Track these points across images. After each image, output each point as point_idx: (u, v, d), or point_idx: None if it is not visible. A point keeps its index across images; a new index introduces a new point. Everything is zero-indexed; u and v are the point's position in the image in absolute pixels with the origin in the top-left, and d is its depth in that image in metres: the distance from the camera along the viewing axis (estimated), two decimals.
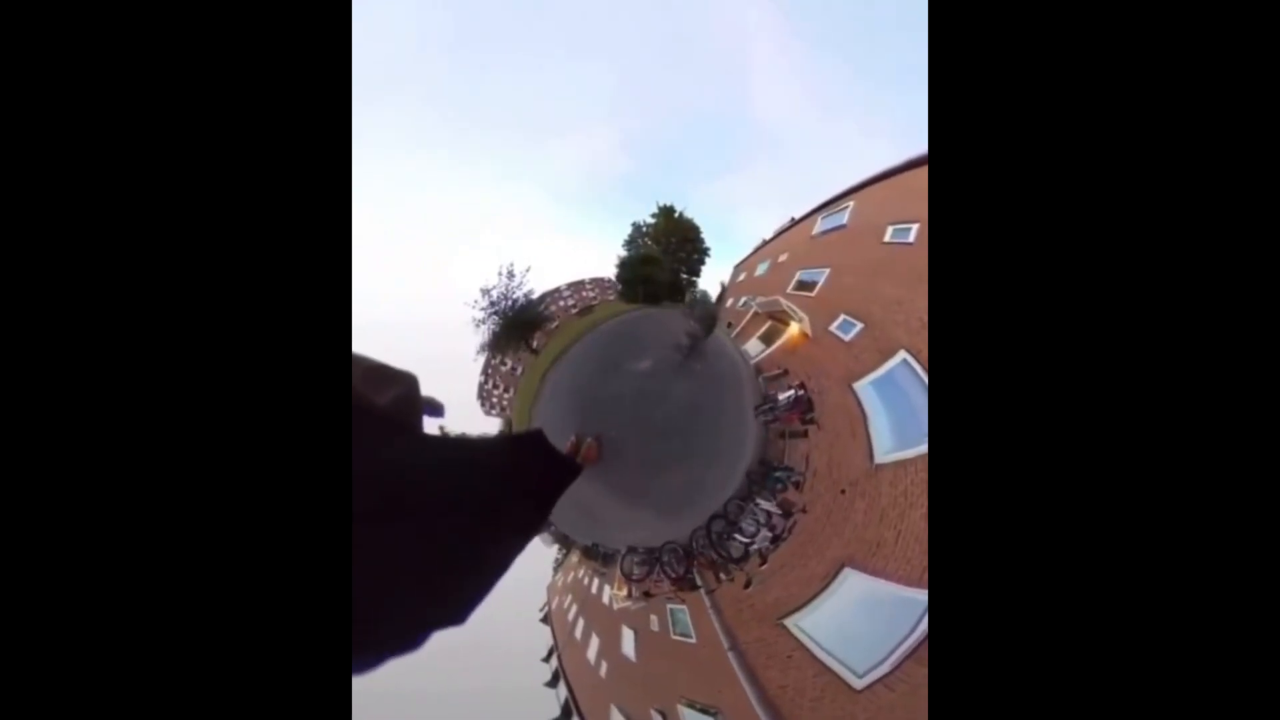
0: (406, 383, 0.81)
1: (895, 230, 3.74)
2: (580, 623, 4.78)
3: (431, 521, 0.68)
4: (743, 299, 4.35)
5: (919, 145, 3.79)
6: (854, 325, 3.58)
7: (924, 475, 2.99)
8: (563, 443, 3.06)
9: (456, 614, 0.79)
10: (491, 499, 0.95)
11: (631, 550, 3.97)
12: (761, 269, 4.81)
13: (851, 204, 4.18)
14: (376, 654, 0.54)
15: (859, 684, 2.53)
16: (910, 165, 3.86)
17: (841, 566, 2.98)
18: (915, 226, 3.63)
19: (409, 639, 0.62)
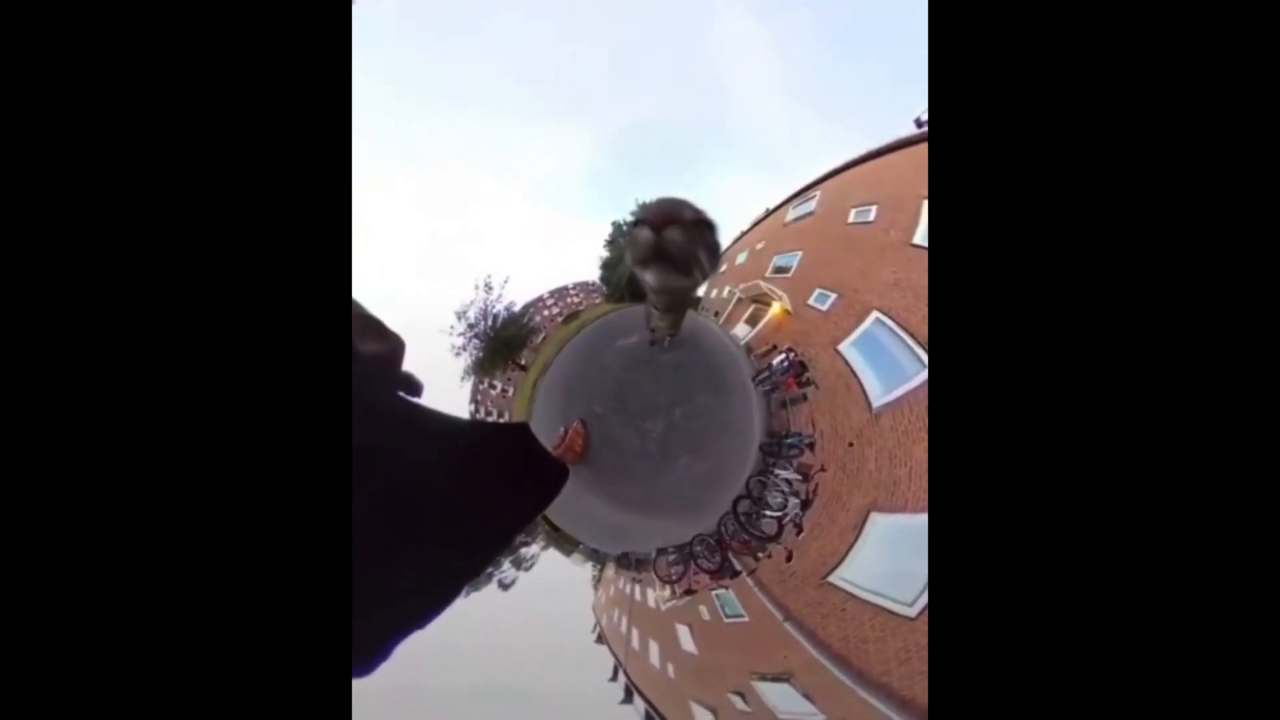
0: (393, 344, 0.72)
1: (857, 212, 4.13)
2: (634, 632, 4.80)
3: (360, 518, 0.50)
4: (726, 288, 4.55)
5: (879, 136, 4.29)
6: (829, 296, 3.86)
7: (918, 413, 3.23)
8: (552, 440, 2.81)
9: (360, 658, 0.57)
10: (449, 508, 0.71)
11: (662, 551, 3.97)
12: (741, 258, 5.05)
13: (819, 193, 4.53)
14: None
15: (912, 612, 2.71)
16: (870, 156, 4.27)
17: (868, 513, 3.16)
18: (874, 208, 4.10)
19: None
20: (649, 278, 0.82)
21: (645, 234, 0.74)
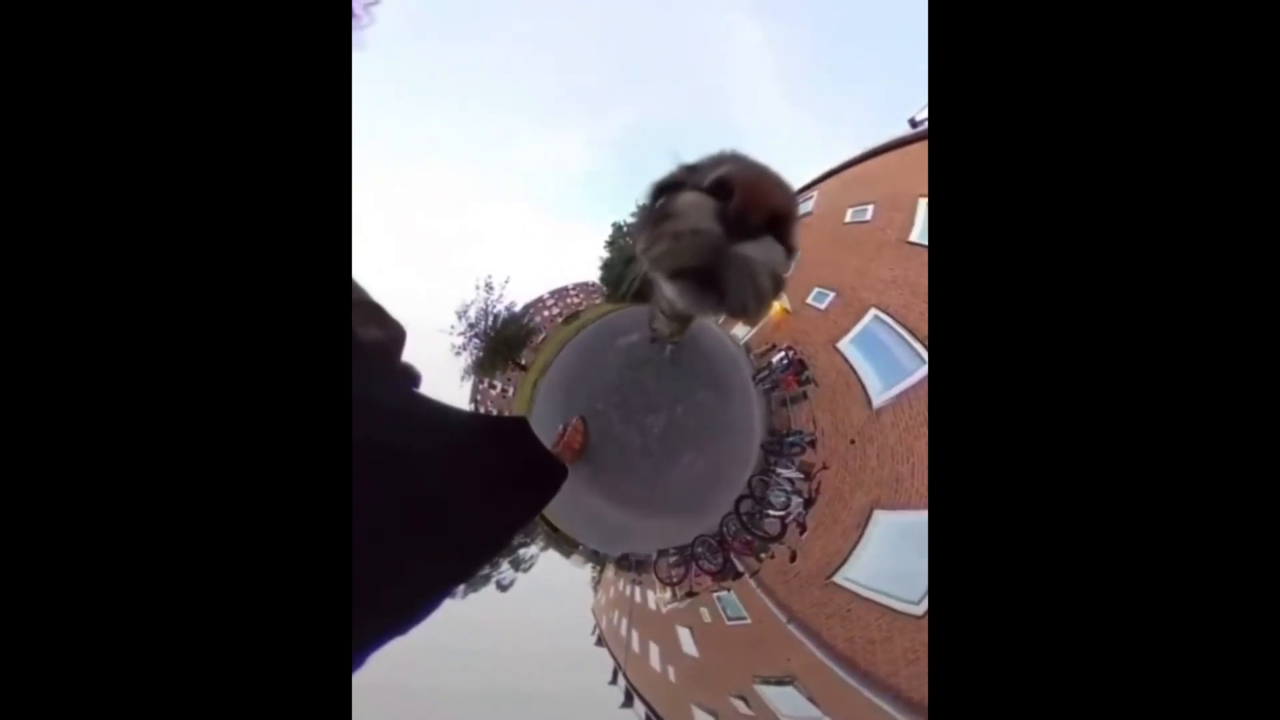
0: (393, 332, 0.69)
1: (854, 212, 4.18)
2: (635, 635, 4.80)
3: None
4: None
5: (876, 137, 4.37)
6: (827, 295, 3.89)
7: (918, 409, 3.24)
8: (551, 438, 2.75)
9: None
10: (439, 505, 0.65)
11: (663, 552, 3.94)
12: None
13: (816, 193, 4.59)
14: None
15: (919, 611, 2.70)
16: (866, 156, 4.31)
17: (871, 511, 3.17)
18: (870, 207, 4.26)
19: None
20: (669, 291, 0.50)
21: (714, 233, 0.38)
